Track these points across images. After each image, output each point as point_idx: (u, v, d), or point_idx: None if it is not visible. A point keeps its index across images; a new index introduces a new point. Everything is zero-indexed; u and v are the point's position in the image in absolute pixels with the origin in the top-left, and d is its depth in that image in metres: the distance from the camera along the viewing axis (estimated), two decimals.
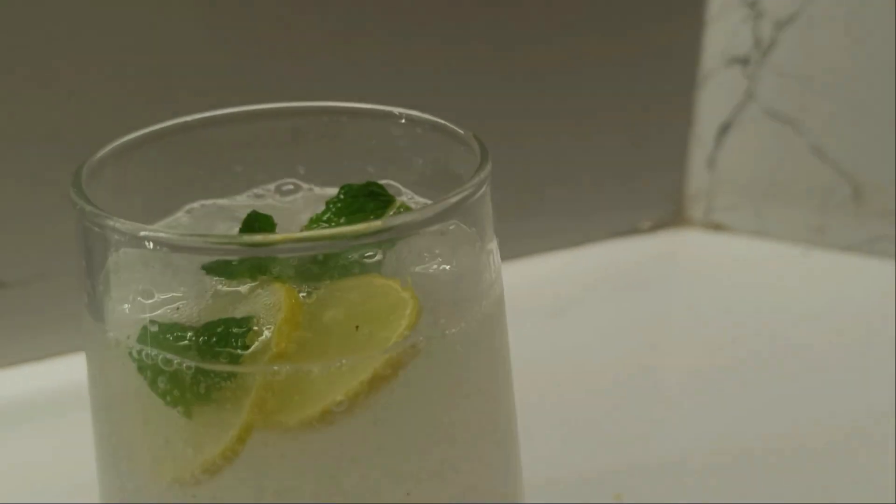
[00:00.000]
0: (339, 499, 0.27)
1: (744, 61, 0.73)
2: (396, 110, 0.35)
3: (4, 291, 0.60)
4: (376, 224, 0.27)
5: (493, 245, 0.32)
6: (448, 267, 0.30)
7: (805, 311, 0.67)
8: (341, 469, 0.27)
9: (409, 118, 0.35)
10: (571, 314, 0.67)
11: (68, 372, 0.59)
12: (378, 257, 0.29)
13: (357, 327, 0.27)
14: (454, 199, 0.28)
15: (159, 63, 0.58)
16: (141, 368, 0.27)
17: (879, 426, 0.55)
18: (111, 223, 0.28)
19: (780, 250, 0.75)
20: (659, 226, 0.78)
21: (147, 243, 0.27)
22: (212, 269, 0.29)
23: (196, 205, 0.35)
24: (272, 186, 0.36)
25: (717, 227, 0.78)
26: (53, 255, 0.59)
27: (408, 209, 0.33)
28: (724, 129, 0.75)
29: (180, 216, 0.35)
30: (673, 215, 0.78)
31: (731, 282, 0.72)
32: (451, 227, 0.30)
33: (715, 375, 0.60)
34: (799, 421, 0.55)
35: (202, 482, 0.27)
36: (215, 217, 0.35)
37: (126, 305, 0.29)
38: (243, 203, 0.35)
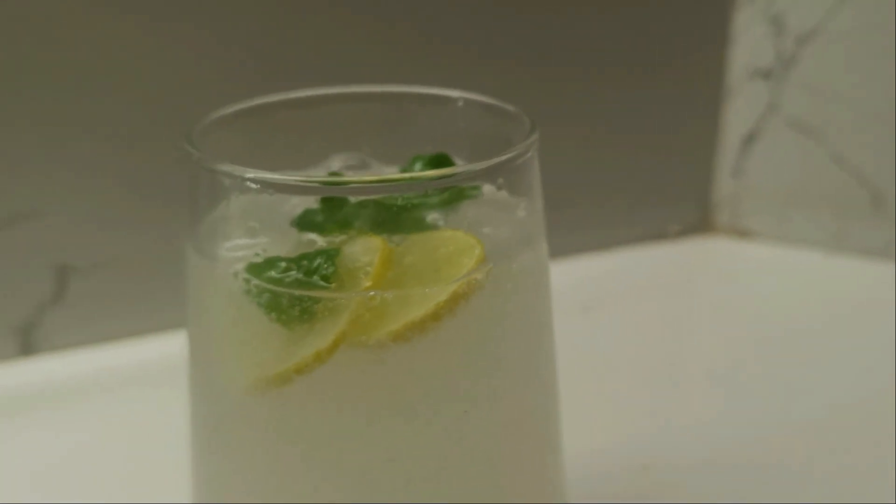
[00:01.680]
0: (406, 411, 0.31)
1: (767, 75, 0.74)
2: (455, 93, 0.39)
3: (100, 272, 0.62)
4: (446, 170, 0.31)
5: (540, 205, 0.36)
6: (505, 219, 0.34)
7: (826, 314, 0.68)
8: (409, 384, 0.31)
9: (466, 101, 0.38)
10: (600, 315, 0.68)
11: (151, 350, 0.63)
12: (444, 218, 0.33)
13: (437, 264, 0.31)
14: (508, 156, 0.33)
15: (238, 47, 0.61)
16: (247, 292, 0.31)
17: None
18: (223, 167, 0.31)
19: (802, 255, 0.76)
20: (686, 231, 0.79)
21: (252, 184, 0.31)
22: (301, 225, 0.33)
23: None
24: (342, 163, 0.39)
25: (742, 232, 0.79)
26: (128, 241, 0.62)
27: None
28: (749, 140, 0.77)
29: None
30: (700, 221, 0.80)
31: (755, 285, 0.74)
32: (505, 192, 0.34)
33: (738, 376, 0.61)
34: (820, 421, 0.56)
35: (293, 381, 0.30)
36: None
37: (234, 242, 0.32)
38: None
